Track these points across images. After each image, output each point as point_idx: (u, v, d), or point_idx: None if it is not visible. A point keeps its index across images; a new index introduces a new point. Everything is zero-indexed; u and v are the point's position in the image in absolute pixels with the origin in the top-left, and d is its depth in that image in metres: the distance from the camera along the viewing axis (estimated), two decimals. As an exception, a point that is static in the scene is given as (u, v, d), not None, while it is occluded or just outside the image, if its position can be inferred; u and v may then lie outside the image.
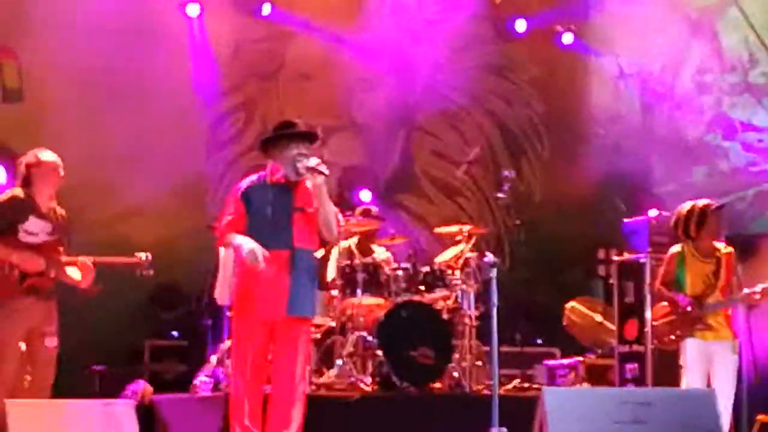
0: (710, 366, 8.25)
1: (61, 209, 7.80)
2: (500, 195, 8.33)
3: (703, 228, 8.40)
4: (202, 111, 12.32)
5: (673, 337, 8.35)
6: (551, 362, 11.06)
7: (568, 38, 13.60)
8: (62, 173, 7.73)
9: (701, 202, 8.51)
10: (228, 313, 9.13)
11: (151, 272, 8.00)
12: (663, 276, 8.56)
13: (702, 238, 8.42)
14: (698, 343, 8.28)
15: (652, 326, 8.71)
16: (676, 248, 8.53)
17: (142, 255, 7.97)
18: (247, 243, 7.04)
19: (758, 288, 8.23)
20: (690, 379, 8.22)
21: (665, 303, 8.50)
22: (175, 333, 11.67)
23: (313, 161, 7.14)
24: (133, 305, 11.34)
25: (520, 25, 13.54)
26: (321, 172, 7.12)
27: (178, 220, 11.47)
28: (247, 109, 12.78)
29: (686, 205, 8.56)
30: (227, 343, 9.01)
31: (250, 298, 7.17)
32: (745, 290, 8.30)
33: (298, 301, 7.16)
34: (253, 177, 7.33)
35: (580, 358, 11.09)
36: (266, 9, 12.58)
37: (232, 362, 7.40)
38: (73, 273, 7.71)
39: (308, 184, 7.23)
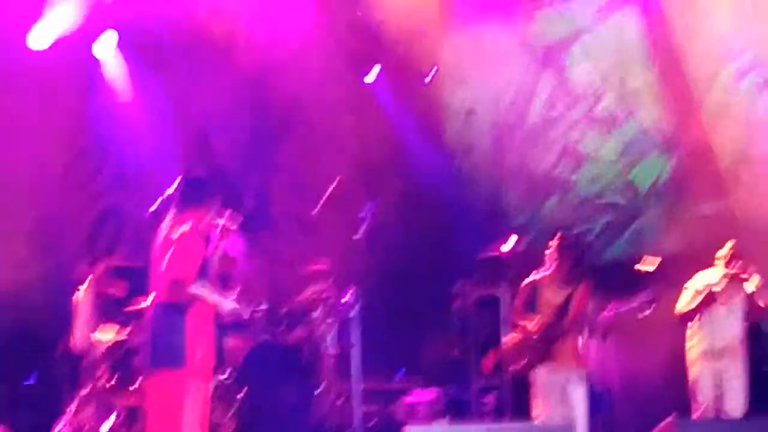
0: (563, 395, 8.39)
1: None
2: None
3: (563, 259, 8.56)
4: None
5: (522, 364, 8.46)
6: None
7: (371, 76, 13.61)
8: None
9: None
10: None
11: None
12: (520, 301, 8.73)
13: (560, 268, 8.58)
14: (548, 372, 8.42)
15: (504, 351, 8.78)
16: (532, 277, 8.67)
17: None
18: (226, 301, 7.03)
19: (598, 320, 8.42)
20: (544, 408, 8.35)
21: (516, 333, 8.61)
22: (29, 381, 11.37)
23: None
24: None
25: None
26: None
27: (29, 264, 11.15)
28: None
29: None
30: (84, 391, 8.83)
31: (200, 356, 7.00)
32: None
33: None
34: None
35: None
36: None
37: (186, 423, 6.86)
38: None
39: None
